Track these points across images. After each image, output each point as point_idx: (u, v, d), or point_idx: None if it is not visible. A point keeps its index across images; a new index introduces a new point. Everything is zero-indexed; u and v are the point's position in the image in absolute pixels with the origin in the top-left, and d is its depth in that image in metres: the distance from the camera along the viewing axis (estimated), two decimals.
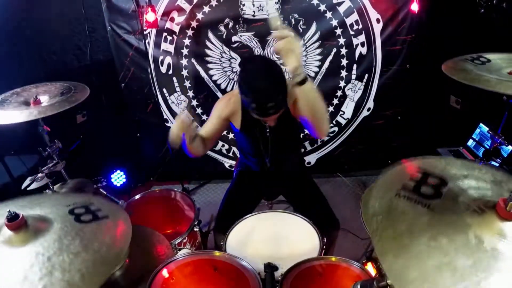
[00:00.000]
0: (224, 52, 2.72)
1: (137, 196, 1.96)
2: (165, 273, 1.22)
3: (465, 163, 0.80)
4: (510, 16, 2.08)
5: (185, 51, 2.73)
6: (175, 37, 2.68)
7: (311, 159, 3.14)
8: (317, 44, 2.68)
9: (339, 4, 2.58)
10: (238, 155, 2.11)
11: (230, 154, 3.13)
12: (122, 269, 1.05)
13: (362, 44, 2.70)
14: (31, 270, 0.69)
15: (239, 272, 1.25)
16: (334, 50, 2.71)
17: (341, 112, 2.96)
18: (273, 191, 2.02)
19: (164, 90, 2.87)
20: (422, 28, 2.62)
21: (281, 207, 2.09)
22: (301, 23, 2.60)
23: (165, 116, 2.97)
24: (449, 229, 0.64)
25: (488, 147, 2.03)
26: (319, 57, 2.74)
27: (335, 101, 2.92)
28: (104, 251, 0.76)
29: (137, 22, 2.52)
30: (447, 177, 0.75)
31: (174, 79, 2.83)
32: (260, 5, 2.57)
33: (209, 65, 2.77)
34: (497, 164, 1.86)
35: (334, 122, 2.98)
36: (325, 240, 1.46)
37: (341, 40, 2.68)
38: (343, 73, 2.81)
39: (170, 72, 2.80)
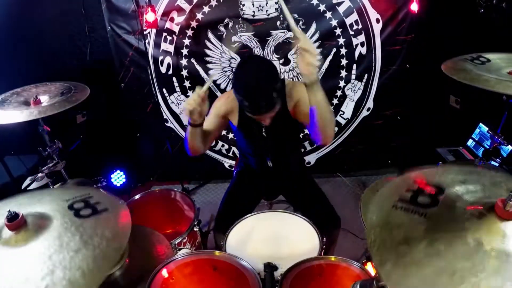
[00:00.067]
0: (224, 52, 2.73)
1: (137, 196, 1.96)
2: (164, 273, 1.23)
3: (462, 169, 0.80)
4: (510, 16, 2.09)
5: (185, 51, 2.73)
6: (175, 37, 2.68)
7: (311, 159, 3.14)
8: (316, 44, 2.67)
9: (339, 4, 2.58)
10: (238, 155, 2.11)
11: (230, 154, 3.13)
12: (122, 269, 1.05)
13: (362, 44, 2.70)
14: (33, 270, 0.69)
15: (239, 272, 1.25)
16: (334, 50, 2.71)
17: (340, 112, 2.96)
18: (273, 191, 2.02)
19: (164, 90, 2.87)
20: (422, 28, 2.62)
21: (281, 207, 2.09)
22: (300, 23, 2.60)
23: (164, 116, 2.97)
24: (447, 235, 0.65)
25: (487, 147, 2.03)
26: (318, 57, 2.74)
27: (335, 101, 2.92)
28: (104, 245, 0.76)
29: (137, 22, 2.52)
30: (443, 184, 0.75)
31: (174, 79, 2.83)
32: (260, 5, 2.57)
33: (209, 65, 2.77)
34: (496, 164, 1.86)
35: None
36: (325, 240, 1.46)
37: (341, 40, 2.68)
38: (343, 73, 2.81)
39: (170, 72, 2.80)
